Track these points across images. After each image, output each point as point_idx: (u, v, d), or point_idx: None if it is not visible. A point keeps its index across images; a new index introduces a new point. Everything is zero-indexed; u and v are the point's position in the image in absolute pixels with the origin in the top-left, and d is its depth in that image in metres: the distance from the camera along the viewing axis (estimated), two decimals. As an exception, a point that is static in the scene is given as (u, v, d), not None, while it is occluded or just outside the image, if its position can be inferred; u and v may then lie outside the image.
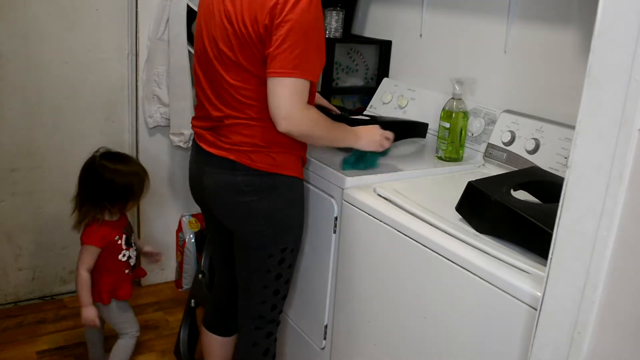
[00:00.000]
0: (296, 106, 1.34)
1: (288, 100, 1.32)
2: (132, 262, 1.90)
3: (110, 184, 1.79)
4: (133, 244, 1.91)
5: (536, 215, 1.16)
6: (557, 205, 1.21)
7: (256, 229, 1.48)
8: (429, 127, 1.98)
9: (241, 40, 1.36)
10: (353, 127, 1.56)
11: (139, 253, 2.01)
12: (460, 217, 1.34)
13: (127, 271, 1.89)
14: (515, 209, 1.19)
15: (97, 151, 1.85)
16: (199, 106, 1.55)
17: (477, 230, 1.28)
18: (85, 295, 1.80)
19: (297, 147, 1.48)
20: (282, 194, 1.48)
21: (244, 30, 1.35)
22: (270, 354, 1.64)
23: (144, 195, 1.88)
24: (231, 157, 1.43)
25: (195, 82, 1.54)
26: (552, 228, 1.11)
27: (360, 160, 1.61)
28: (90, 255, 1.79)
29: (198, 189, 1.57)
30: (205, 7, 1.47)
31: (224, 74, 1.41)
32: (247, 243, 1.52)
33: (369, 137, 1.56)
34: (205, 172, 1.50)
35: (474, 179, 1.34)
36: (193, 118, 1.58)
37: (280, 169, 1.45)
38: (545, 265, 1.11)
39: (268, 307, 1.58)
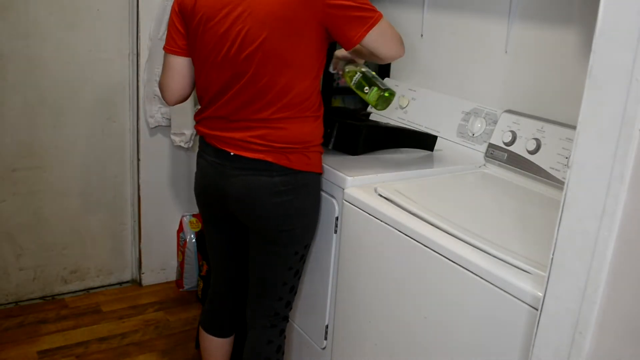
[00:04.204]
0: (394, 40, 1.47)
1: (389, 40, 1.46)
2: None
3: None
4: None
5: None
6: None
7: (289, 227, 1.50)
8: (425, 126, 1.98)
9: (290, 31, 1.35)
10: None
11: None
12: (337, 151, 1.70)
13: None
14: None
15: None
16: (214, 108, 1.48)
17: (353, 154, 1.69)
18: None
19: (320, 144, 1.53)
20: (311, 191, 1.52)
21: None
22: (281, 351, 1.66)
23: None
24: (269, 159, 1.43)
25: (213, 85, 1.46)
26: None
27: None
28: None
29: (215, 193, 1.52)
30: (218, 5, 1.38)
31: (266, 72, 1.38)
32: (276, 242, 1.52)
33: None
34: (232, 175, 1.47)
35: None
36: (204, 121, 1.51)
37: (312, 167, 1.49)
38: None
39: (283, 303, 1.60)
